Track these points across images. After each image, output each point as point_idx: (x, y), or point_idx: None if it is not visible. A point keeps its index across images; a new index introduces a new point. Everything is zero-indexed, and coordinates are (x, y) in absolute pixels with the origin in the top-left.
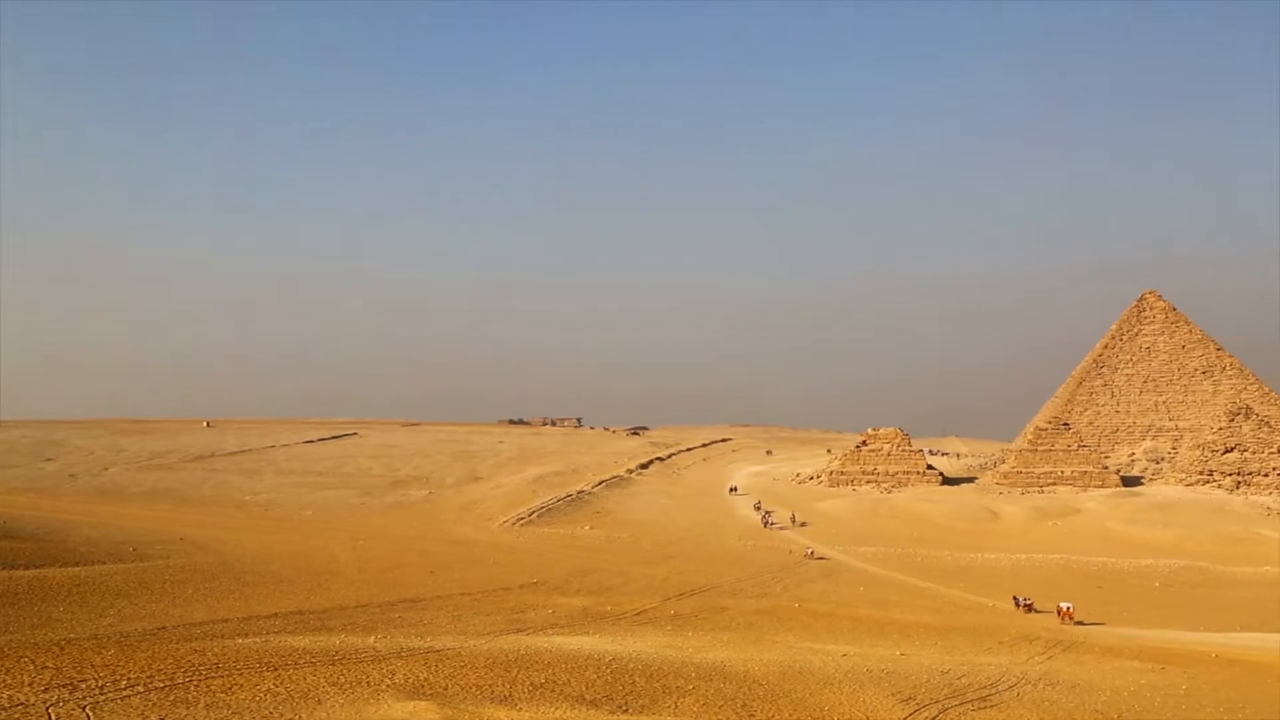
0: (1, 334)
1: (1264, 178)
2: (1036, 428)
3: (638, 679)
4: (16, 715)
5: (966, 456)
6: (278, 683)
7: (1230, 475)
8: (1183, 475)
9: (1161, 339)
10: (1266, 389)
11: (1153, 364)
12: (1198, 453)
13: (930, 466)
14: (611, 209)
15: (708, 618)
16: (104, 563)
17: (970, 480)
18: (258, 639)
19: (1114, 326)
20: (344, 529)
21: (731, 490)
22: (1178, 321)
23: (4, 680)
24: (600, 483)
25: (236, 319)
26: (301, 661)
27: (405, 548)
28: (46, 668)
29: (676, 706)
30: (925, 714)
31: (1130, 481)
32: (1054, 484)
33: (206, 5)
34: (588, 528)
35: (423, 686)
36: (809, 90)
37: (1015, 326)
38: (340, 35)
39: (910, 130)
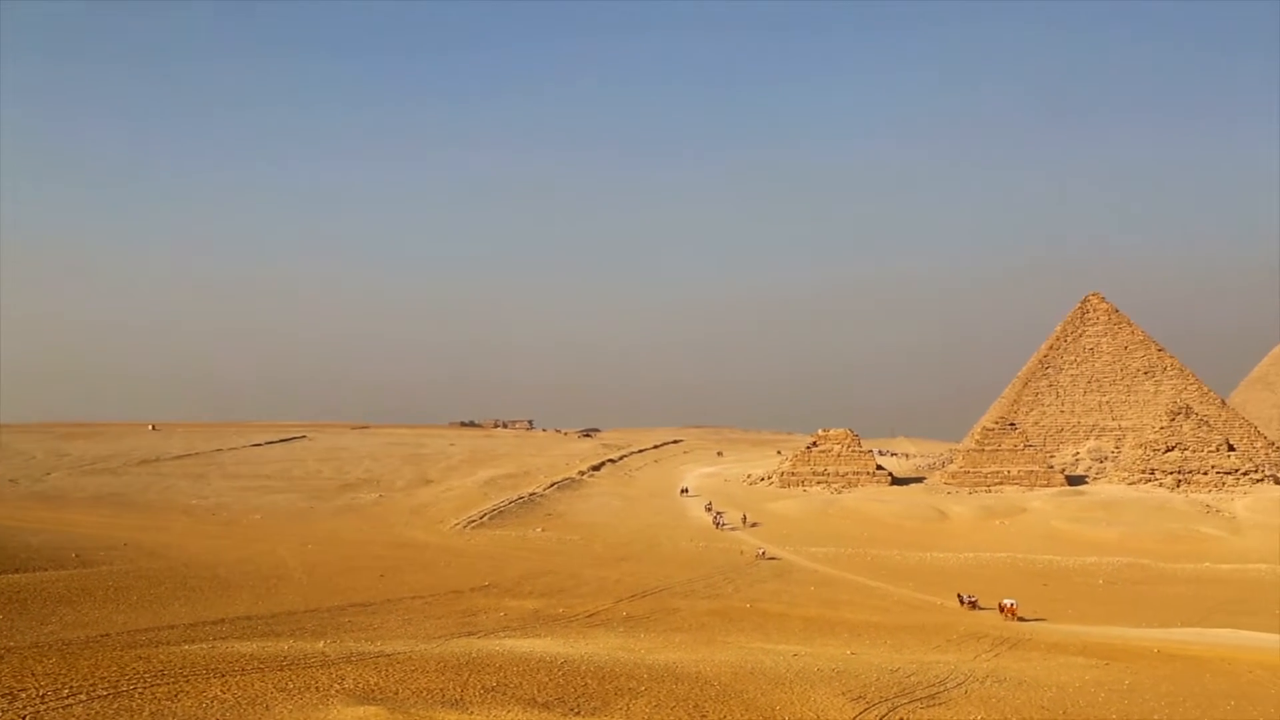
0: None
1: (1206, 183)
2: (984, 428)
3: (590, 681)
4: None
5: (915, 457)
6: (225, 689)
7: (1171, 474)
8: (1125, 474)
9: (1104, 340)
10: (1206, 389)
11: (1096, 364)
12: (1140, 452)
13: (880, 467)
14: (563, 212)
15: (660, 619)
16: (45, 569)
17: (919, 480)
18: (204, 645)
19: (1058, 328)
20: (293, 533)
21: (683, 492)
22: (1120, 323)
23: None
24: (552, 485)
25: (185, 321)
26: (249, 667)
27: (355, 551)
28: None
29: (628, 708)
30: (875, 712)
31: (1075, 480)
32: (1001, 483)
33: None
34: (540, 530)
35: (373, 691)
36: (761, 89)
37: (964, 326)
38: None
39: (864, 130)
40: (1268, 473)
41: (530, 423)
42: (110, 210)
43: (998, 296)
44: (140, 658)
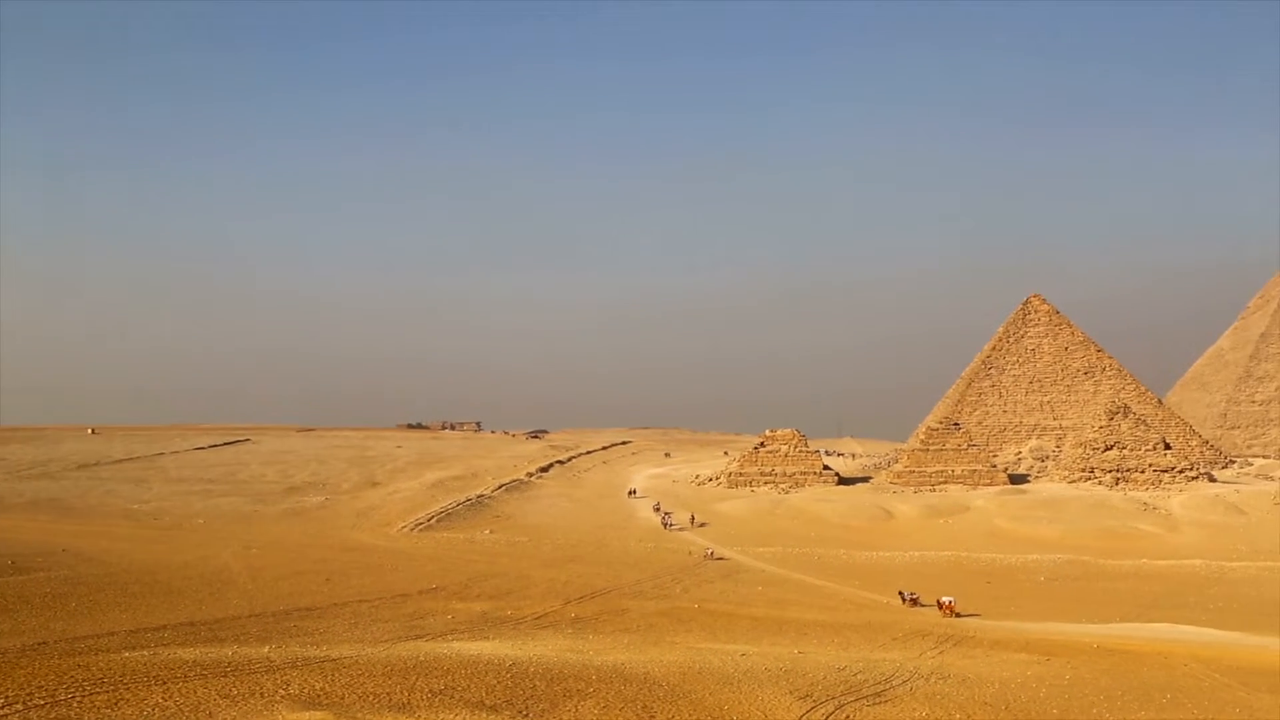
0: None
1: (1147, 187)
2: (928, 428)
3: (538, 683)
4: None
5: (862, 457)
6: (166, 696)
7: (1110, 472)
8: (1066, 472)
9: (1046, 341)
10: (1143, 389)
11: (1038, 365)
12: (1080, 451)
13: (827, 467)
14: (507, 212)
15: (608, 620)
16: None
17: (865, 480)
18: (145, 652)
19: (1001, 329)
20: (237, 537)
21: (631, 493)
22: (1061, 324)
23: None
24: (500, 486)
25: (128, 323)
26: (191, 674)
27: (300, 555)
28: None
29: (577, 709)
30: (822, 711)
31: (1017, 479)
32: (945, 482)
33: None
34: (488, 532)
35: (318, 696)
36: (716, 85)
37: (910, 327)
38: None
39: (815, 134)
40: (1202, 470)
41: (478, 424)
42: (41, 209)
43: (943, 298)
44: (79, 666)
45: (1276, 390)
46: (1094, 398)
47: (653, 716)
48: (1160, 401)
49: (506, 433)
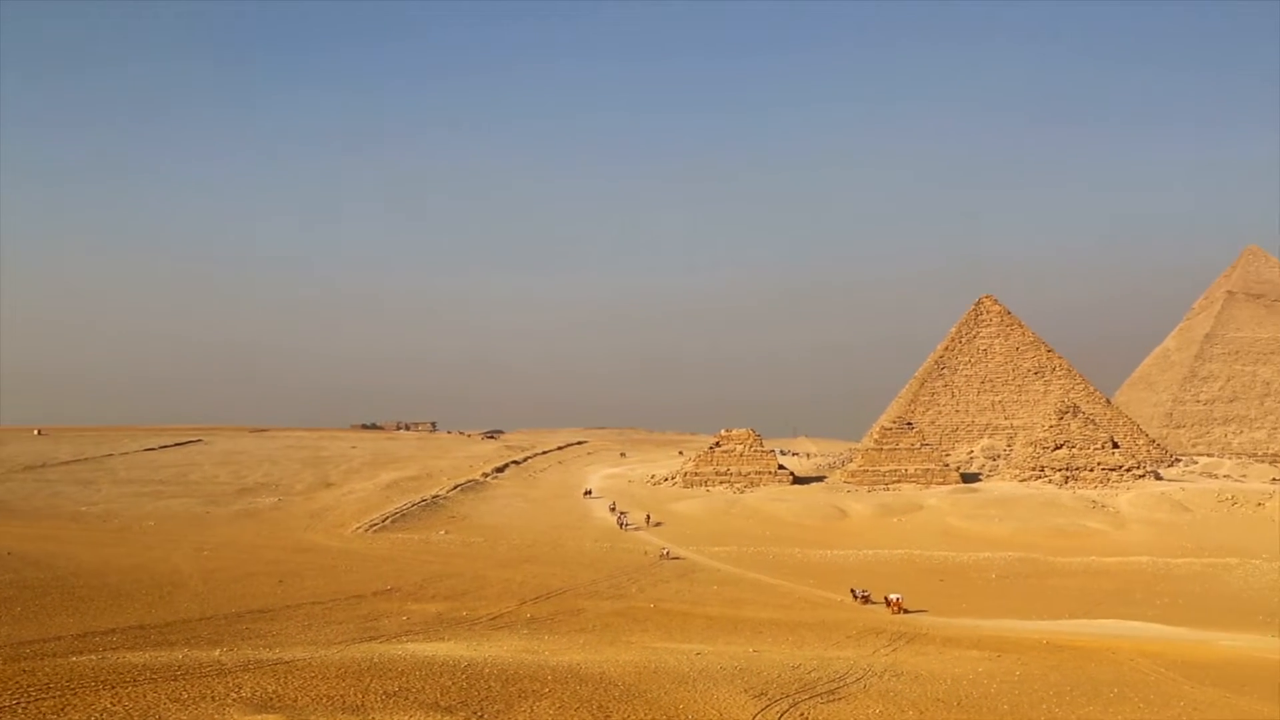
0: None
1: (1095, 191)
2: (882, 427)
3: (493, 684)
4: None
5: (816, 456)
6: (115, 701)
7: (1060, 471)
8: (1017, 471)
9: (997, 341)
10: (1092, 389)
11: (989, 365)
12: (1030, 450)
13: (781, 466)
14: (462, 211)
15: (564, 620)
16: None
17: (820, 479)
18: (93, 656)
19: (953, 329)
20: (188, 539)
21: (587, 493)
22: (1012, 324)
23: None
24: (456, 487)
25: (77, 324)
26: (141, 678)
27: (253, 557)
28: None
29: (532, 710)
30: (776, 709)
31: (969, 478)
32: (898, 482)
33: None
34: (443, 532)
35: (271, 699)
36: (681, 96)
37: (864, 328)
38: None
39: (775, 136)
40: (1149, 469)
41: (433, 425)
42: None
43: (896, 300)
44: (25, 671)
45: (1220, 390)
46: (1044, 397)
47: (608, 716)
48: (1109, 401)
49: (462, 433)
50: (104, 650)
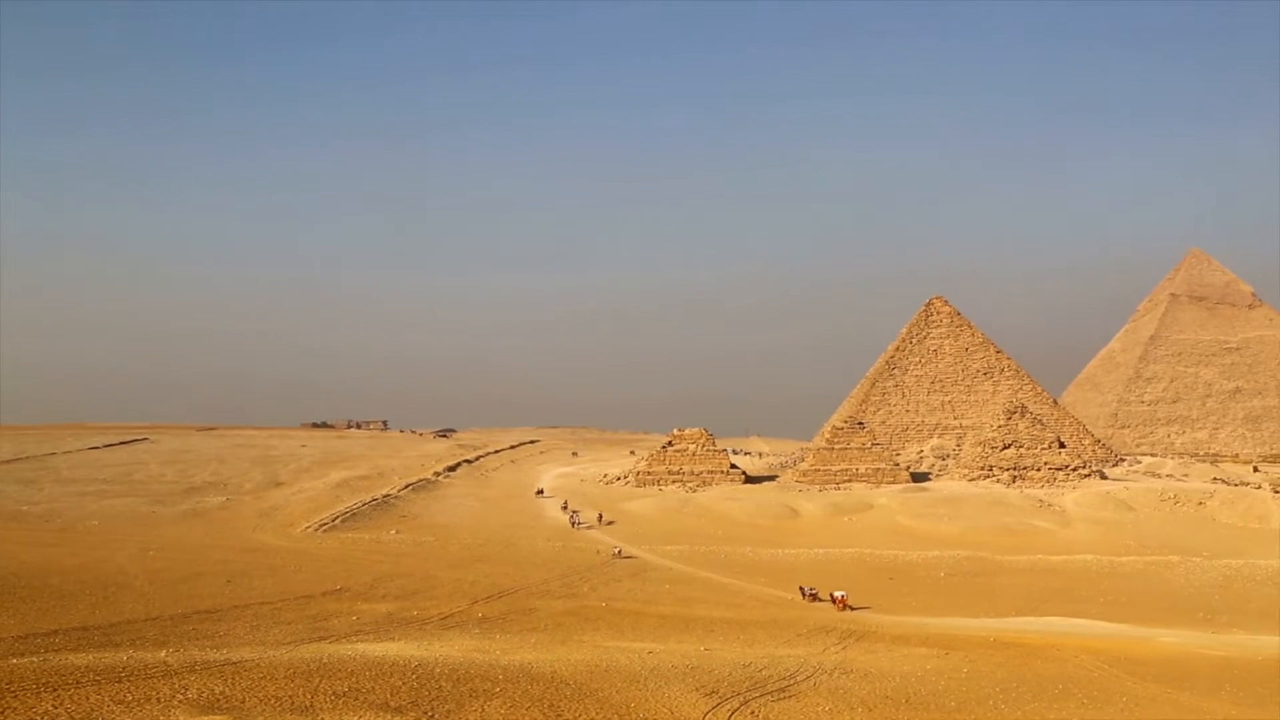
0: None
1: (1044, 194)
2: (833, 427)
3: (444, 683)
4: None
5: (768, 455)
6: (56, 703)
7: (1008, 470)
8: (966, 471)
9: (947, 342)
10: (1040, 389)
11: (939, 365)
12: (979, 449)
13: (734, 466)
14: (413, 209)
15: (515, 620)
16: None
17: (772, 479)
18: (35, 658)
19: (904, 330)
20: (133, 539)
21: (539, 493)
22: (962, 325)
23: None
24: (407, 486)
25: (16, 320)
26: (84, 680)
27: (200, 557)
28: None
29: (483, 710)
30: (727, 707)
31: (919, 478)
32: (849, 481)
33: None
34: (394, 532)
35: (218, 700)
36: (630, 92)
37: (815, 329)
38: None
39: (724, 135)
40: (1094, 469)
41: (385, 423)
42: None
43: (848, 301)
44: None
45: (1164, 391)
46: (993, 398)
47: (559, 715)
48: (1055, 401)
49: (414, 432)
50: (45, 652)
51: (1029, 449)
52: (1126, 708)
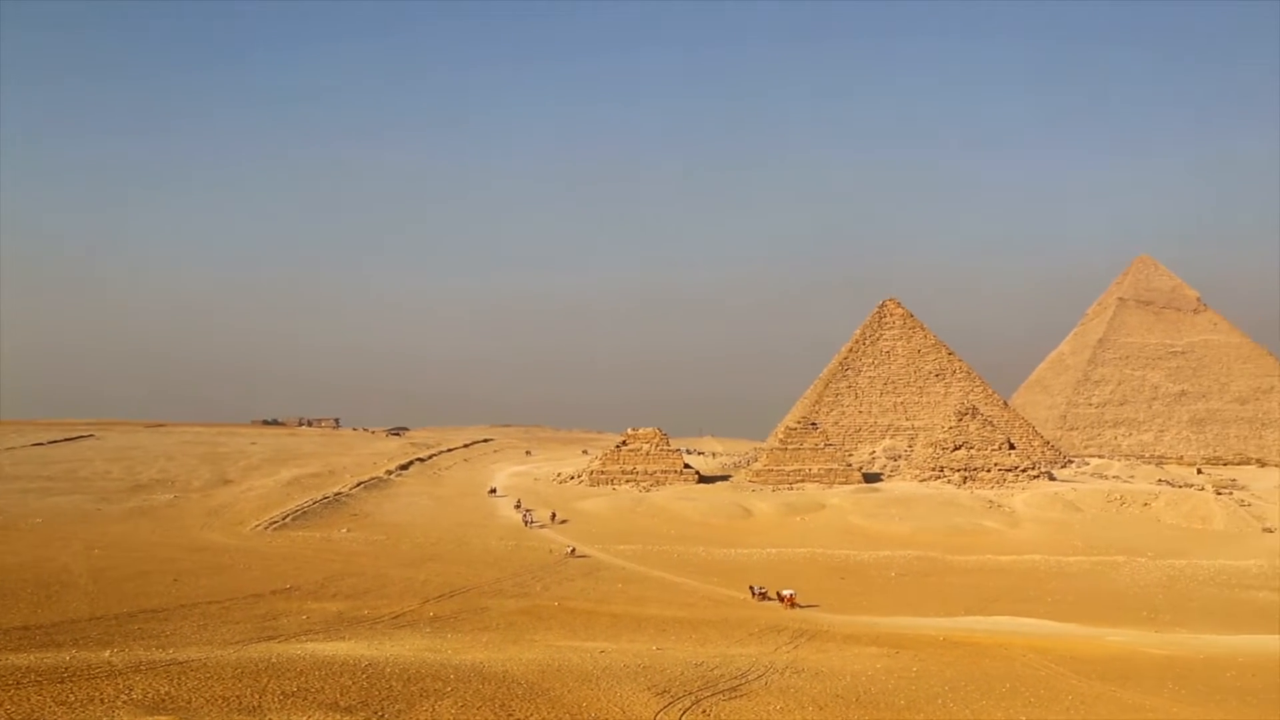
0: None
1: (997, 197)
2: (787, 427)
3: (394, 683)
4: None
5: (722, 455)
6: None
7: (958, 471)
8: (917, 471)
9: (900, 344)
10: (990, 391)
11: (892, 367)
12: (930, 450)
13: (688, 465)
14: (367, 203)
15: (467, 619)
16: None
17: (725, 478)
18: None
19: (858, 331)
20: (78, 537)
21: (492, 491)
22: (914, 327)
23: None
24: (359, 484)
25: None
26: (25, 680)
27: (146, 555)
28: None
29: (434, 709)
30: (679, 706)
31: (871, 478)
32: (802, 481)
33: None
34: (345, 530)
35: (163, 701)
36: (580, 91)
37: (767, 331)
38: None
39: (677, 137)
40: (1043, 470)
41: (336, 421)
42: None
43: (803, 302)
44: None
45: (1111, 393)
46: (944, 399)
47: (511, 715)
48: (1006, 403)
49: (366, 430)
50: None
51: (979, 450)
52: (1072, 706)
